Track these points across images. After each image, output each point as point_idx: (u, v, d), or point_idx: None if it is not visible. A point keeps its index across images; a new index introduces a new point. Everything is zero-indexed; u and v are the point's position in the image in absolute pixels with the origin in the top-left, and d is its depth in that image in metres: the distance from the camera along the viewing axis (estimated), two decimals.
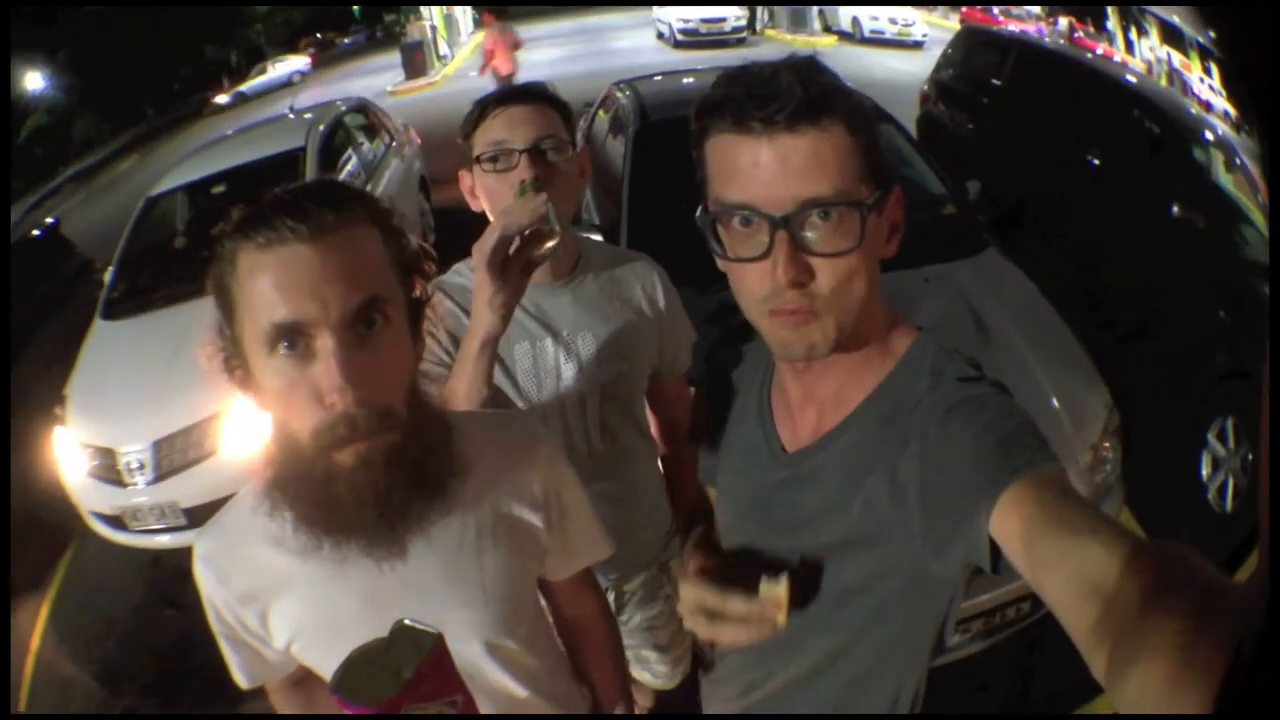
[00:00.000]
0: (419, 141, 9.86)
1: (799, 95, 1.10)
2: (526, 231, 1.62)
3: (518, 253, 1.64)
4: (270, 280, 1.11)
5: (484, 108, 1.94)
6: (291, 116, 9.05)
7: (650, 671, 2.62)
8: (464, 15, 32.01)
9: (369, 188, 7.12)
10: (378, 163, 8.42)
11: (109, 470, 4.93)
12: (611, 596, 2.36)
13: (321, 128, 7.60)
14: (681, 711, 2.04)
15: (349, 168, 7.77)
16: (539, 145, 1.90)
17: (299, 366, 1.12)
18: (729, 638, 1.24)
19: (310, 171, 6.84)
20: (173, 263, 6.54)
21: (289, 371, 1.13)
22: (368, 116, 9.07)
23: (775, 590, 1.21)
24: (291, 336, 1.11)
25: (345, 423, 1.12)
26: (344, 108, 8.66)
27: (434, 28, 25.91)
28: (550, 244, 1.65)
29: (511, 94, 1.95)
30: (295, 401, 1.14)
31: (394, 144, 9.12)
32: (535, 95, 1.96)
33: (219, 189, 7.13)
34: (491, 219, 1.97)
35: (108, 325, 5.97)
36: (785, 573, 1.22)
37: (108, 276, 6.41)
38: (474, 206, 2.04)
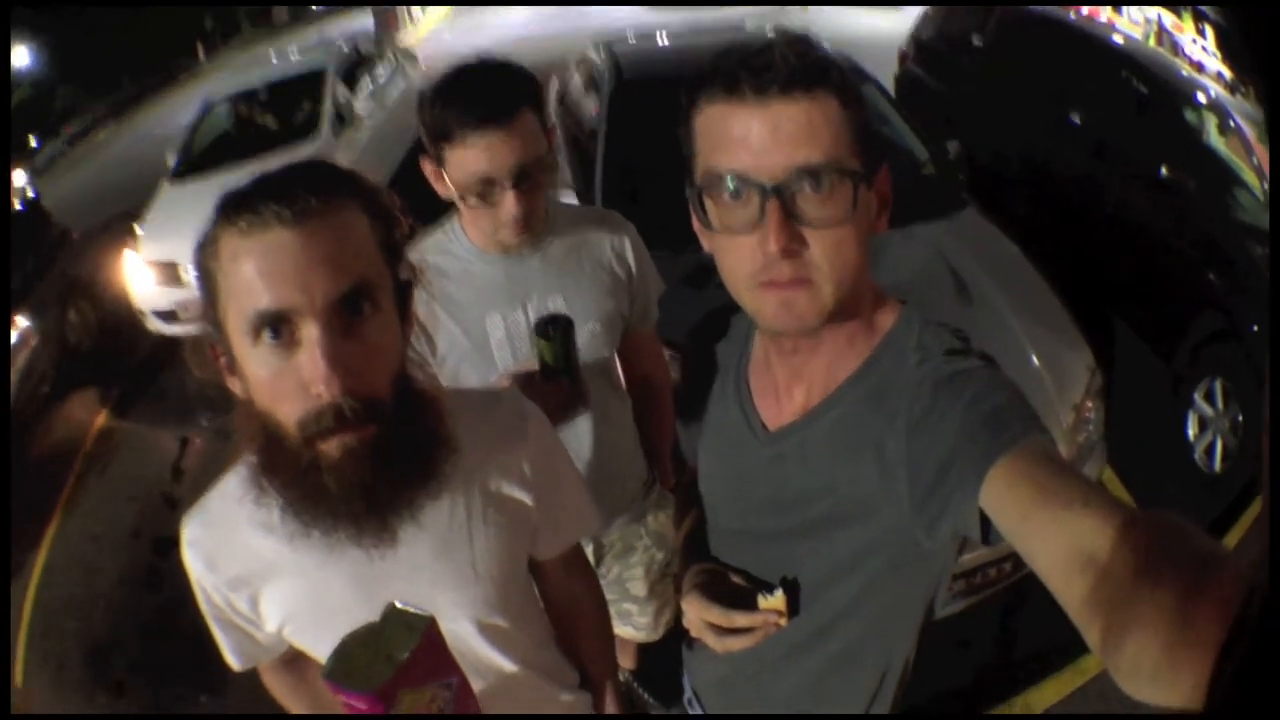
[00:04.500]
0: (424, 66, 11.53)
1: (792, 63, 1.09)
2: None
3: None
4: (253, 267, 1.08)
5: (456, 125, 1.83)
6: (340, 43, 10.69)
7: (632, 625, 2.63)
8: None
9: (380, 98, 9.52)
10: (386, 80, 10.09)
11: (173, 278, 6.61)
12: (590, 549, 2.39)
13: (339, 52, 9.47)
14: (664, 674, 2.04)
15: (366, 85, 9.49)
16: (522, 172, 1.87)
17: (284, 355, 1.10)
18: (738, 646, 1.32)
19: (329, 86, 8.62)
20: (226, 144, 8.60)
21: (274, 360, 1.10)
22: (377, 45, 11.07)
23: (773, 601, 1.30)
24: (276, 325, 1.08)
25: (332, 413, 1.10)
26: (359, 37, 11.04)
27: None
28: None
29: (485, 114, 1.82)
30: (281, 391, 1.12)
31: (400, 65, 10.84)
32: (509, 106, 1.85)
33: (262, 96, 9.26)
34: (462, 208, 1.97)
35: (173, 187, 7.80)
36: (779, 587, 1.31)
37: (171, 160, 8.24)
38: (441, 192, 1.99)
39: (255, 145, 8.18)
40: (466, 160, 1.84)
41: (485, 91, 1.84)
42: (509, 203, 1.86)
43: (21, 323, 6.88)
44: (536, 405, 1.54)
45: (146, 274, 6.82)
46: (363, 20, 19.93)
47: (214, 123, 9.03)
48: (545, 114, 1.96)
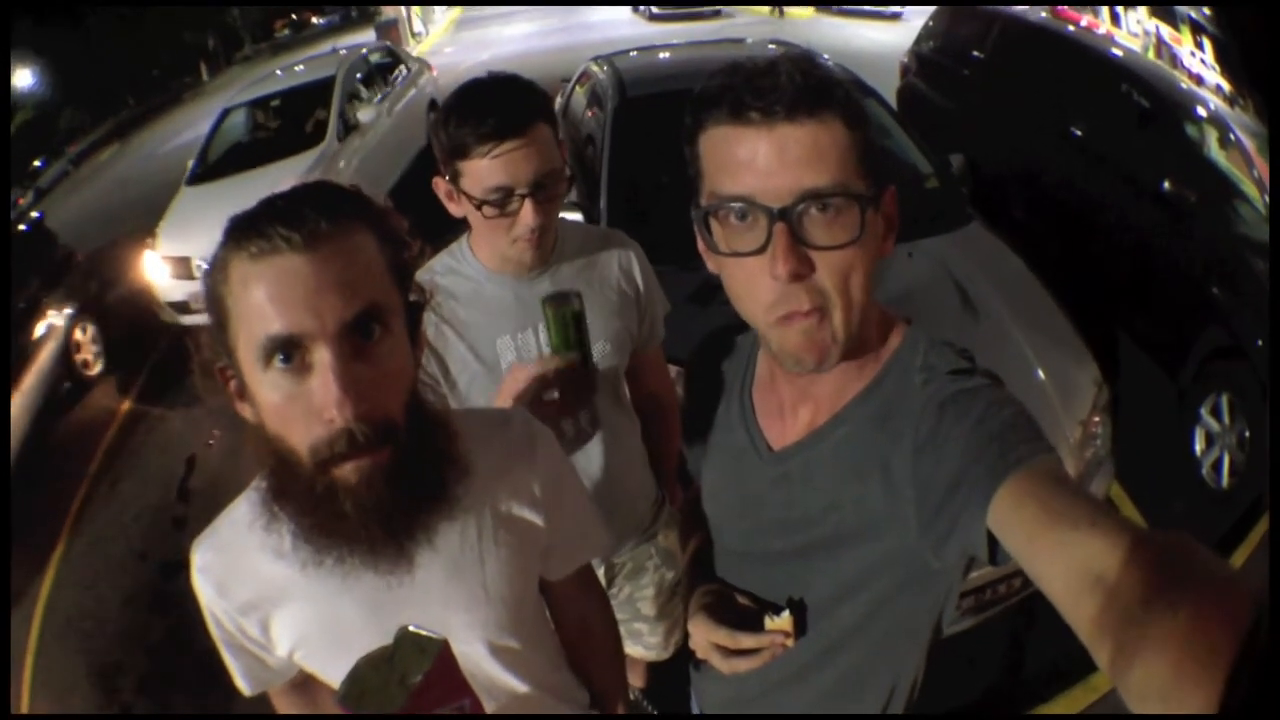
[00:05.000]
0: (435, 72, 12.80)
1: (798, 85, 1.09)
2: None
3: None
4: (264, 292, 1.08)
5: (473, 138, 1.83)
6: (341, 51, 11.96)
7: (642, 644, 2.63)
8: None
9: (390, 105, 10.41)
10: (394, 88, 11.04)
11: (185, 271, 7.41)
12: (601, 571, 2.38)
13: (349, 62, 10.35)
14: (674, 693, 2.04)
15: (376, 95, 10.34)
16: (540, 185, 1.87)
17: (296, 380, 1.09)
18: (745, 667, 1.32)
19: (337, 93, 9.37)
20: (241, 150, 9.52)
21: (285, 385, 1.10)
22: (390, 54, 12.12)
23: (780, 623, 1.29)
24: (287, 349, 1.08)
25: (345, 438, 1.10)
26: (371, 47, 12.14)
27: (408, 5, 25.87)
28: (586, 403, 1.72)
29: (501, 125, 1.82)
30: (293, 416, 1.11)
31: (409, 75, 11.82)
32: (524, 118, 1.85)
33: (275, 103, 10.18)
34: (477, 223, 1.95)
35: (191, 189, 8.69)
36: (785, 608, 1.31)
37: (191, 162, 9.20)
38: (453, 212, 1.99)
39: (266, 152, 9.04)
40: (484, 172, 1.83)
41: (499, 105, 1.84)
42: (526, 213, 1.85)
43: (55, 321, 7.24)
44: (552, 393, 1.53)
45: (163, 268, 7.62)
46: (365, 38, 20.09)
47: (230, 129, 9.88)
48: (557, 128, 1.96)
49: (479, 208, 1.87)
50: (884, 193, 1.18)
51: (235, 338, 1.12)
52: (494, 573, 1.39)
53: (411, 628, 1.12)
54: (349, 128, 9.22)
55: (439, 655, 1.09)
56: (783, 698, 1.47)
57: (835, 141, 1.10)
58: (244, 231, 1.10)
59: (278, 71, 11.72)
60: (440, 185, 1.97)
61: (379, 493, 1.14)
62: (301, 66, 11.52)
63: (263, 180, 7.83)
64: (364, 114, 9.47)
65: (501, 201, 1.85)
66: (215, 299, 1.13)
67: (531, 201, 1.85)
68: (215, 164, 9.13)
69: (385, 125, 9.97)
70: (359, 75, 10.29)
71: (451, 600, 1.36)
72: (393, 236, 1.22)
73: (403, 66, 11.85)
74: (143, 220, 8.34)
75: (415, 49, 22.98)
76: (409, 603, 1.31)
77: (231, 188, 8.38)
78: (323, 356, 1.08)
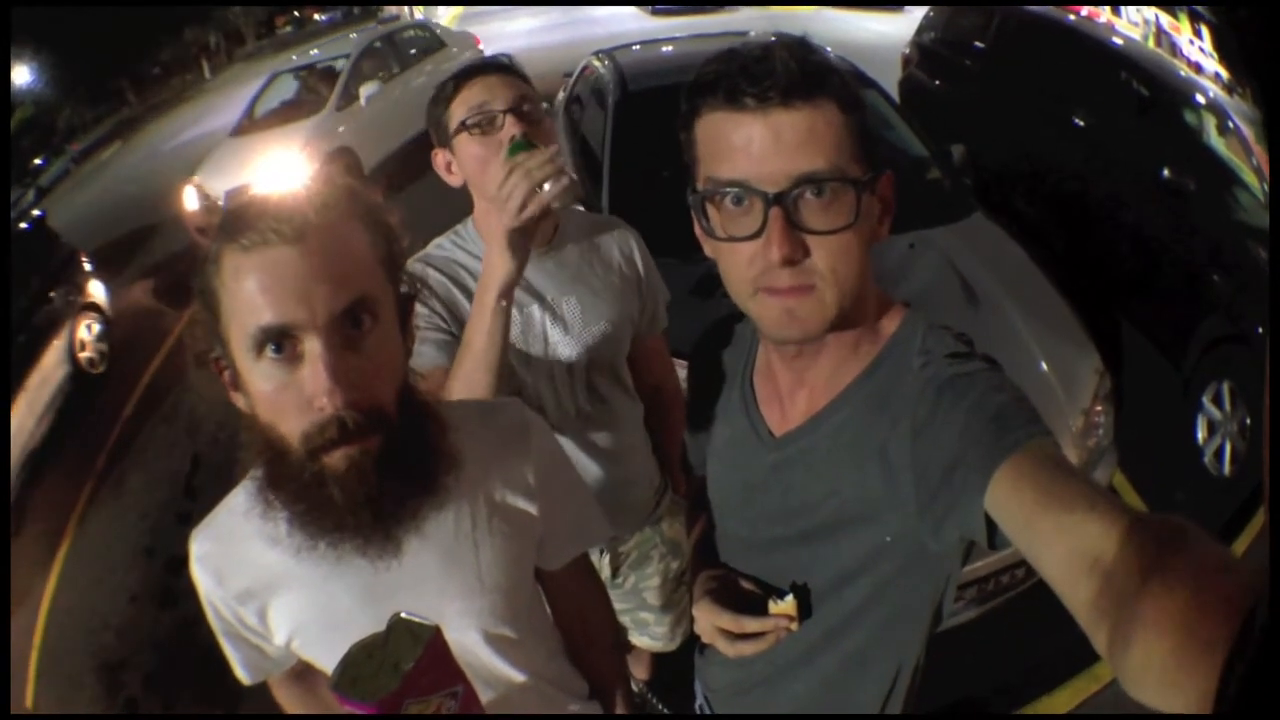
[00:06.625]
0: (479, 43, 13.47)
1: (793, 71, 1.09)
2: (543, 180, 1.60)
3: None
4: (255, 283, 1.09)
5: (456, 81, 1.95)
6: (352, 37, 13.02)
7: (649, 635, 2.64)
8: None
9: (401, 80, 11.43)
10: (418, 64, 12.03)
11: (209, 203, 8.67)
12: (606, 560, 2.40)
13: (369, 41, 11.68)
14: (679, 684, 2.04)
15: (391, 69, 11.52)
16: (520, 105, 1.92)
17: (287, 370, 1.11)
18: (750, 651, 1.33)
19: (347, 67, 10.68)
20: (275, 111, 10.81)
21: (277, 375, 1.11)
22: (423, 30, 13.43)
23: (784, 606, 1.30)
24: (278, 340, 1.09)
25: (335, 425, 1.11)
26: (398, 25, 13.52)
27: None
28: (565, 185, 1.62)
29: (482, 65, 1.97)
30: (284, 405, 1.13)
31: (439, 50, 12.67)
32: (504, 66, 2.00)
33: (304, 74, 11.30)
34: (474, 189, 2.00)
35: (230, 140, 10.12)
36: (789, 593, 1.32)
37: (236, 118, 10.71)
38: (452, 183, 2.04)
39: (290, 114, 10.45)
40: (465, 99, 1.93)
41: (480, 60, 2.00)
42: (510, 126, 1.89)
43: (59, 319, 7.28)
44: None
45: (195, 201, 8.96)
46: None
47: (274, 91, 11.22)
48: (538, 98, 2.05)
49: (465, 127, 1.92)
50: (880, 177, 1.19)
51: (228, 328, 1.14)
52: (488, 562, 1.39)
53: (404, 614, 1.13)
54: (352, 99, 10.39)
55: (431, 641, 1.10)
56: (788, 681, 1.47)
57: (830, 126, 1.10)
58: (235, 224, 1.11)
59: (322, 44, 13.11)
60: (439, 157, 2.03)
61: (367, 480, 1.15)
62: (316, 51, 12.66)
63: (275, 140, 9.64)
64: (365, 89, 10.56)
65: (485, 122, 1.91)
66: (208, 290, 1.15)
67: (513, 116, 1.90)
68: (255, 121, 10.60)
69: (396, 95, 11.06)
70: (369, 53, 11.43)
71: (446, 589, 1.37)
72: (384, 228, 1.24)
73: (436, 44, 12.87)
74: (146, 217, 8.86)
75: None
76: (400, 589, 1.31)
77: (257, 143, 9.81)
78: (313, 346, 1.09)
